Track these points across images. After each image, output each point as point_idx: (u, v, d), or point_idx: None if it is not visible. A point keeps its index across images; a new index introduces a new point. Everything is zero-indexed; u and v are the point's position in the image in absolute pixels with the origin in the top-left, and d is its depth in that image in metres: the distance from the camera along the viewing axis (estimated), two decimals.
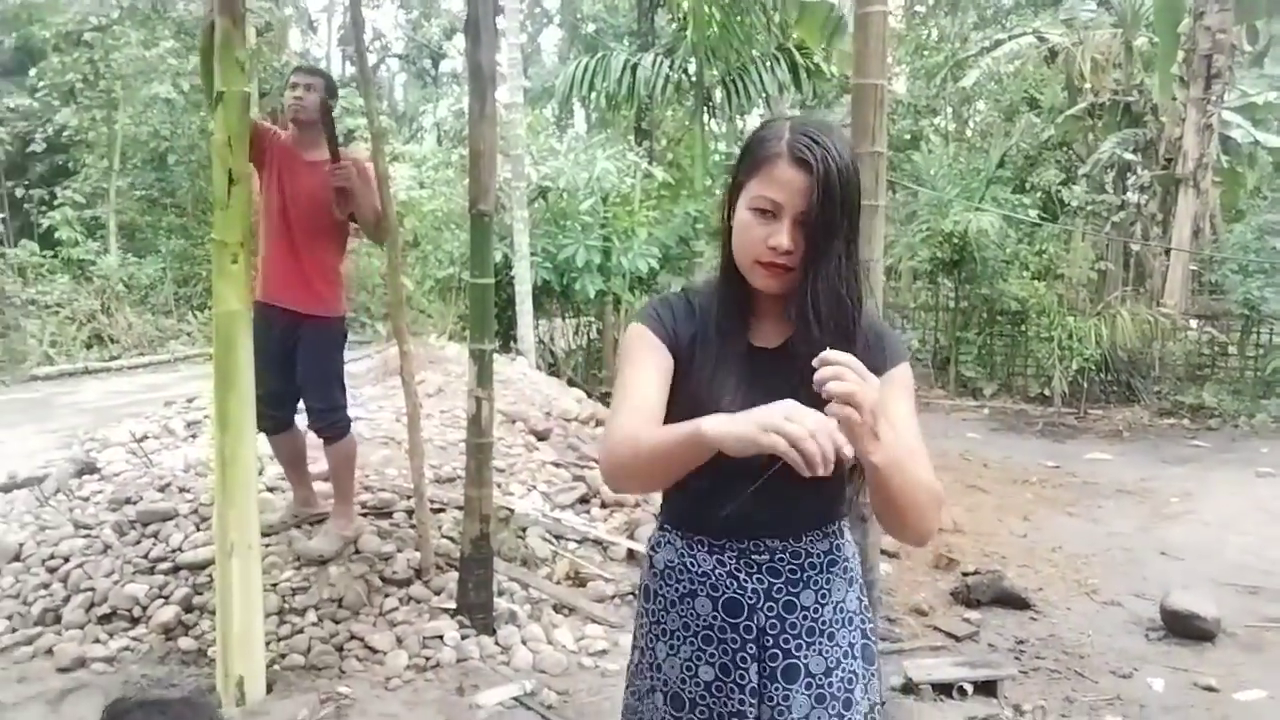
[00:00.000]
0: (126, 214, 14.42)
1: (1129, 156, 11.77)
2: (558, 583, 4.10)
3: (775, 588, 1.44)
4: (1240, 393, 10.14)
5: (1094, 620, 4.34)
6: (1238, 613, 4.37)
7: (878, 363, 1.35)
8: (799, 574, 1.46)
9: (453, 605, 3.67)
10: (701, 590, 1.46)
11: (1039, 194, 12.60)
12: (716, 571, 1.46)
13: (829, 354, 1.17)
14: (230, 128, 2.43)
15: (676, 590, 1.49)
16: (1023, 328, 11.15)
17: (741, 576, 1.44)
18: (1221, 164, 11.26)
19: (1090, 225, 12.03)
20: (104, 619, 3.59)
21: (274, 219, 3.83)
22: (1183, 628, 4.11)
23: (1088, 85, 12.51)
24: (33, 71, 13.61)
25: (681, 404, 1.38)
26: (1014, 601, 4.43)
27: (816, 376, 1.16)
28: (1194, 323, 10.84)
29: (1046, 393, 10.55)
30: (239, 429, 2.90)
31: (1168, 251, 10.90)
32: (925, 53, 16.82)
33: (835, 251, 1.35)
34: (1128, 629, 4.25)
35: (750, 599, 1.44)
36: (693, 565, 1.48)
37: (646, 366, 1.41)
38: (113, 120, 13.61)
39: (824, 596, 1.47)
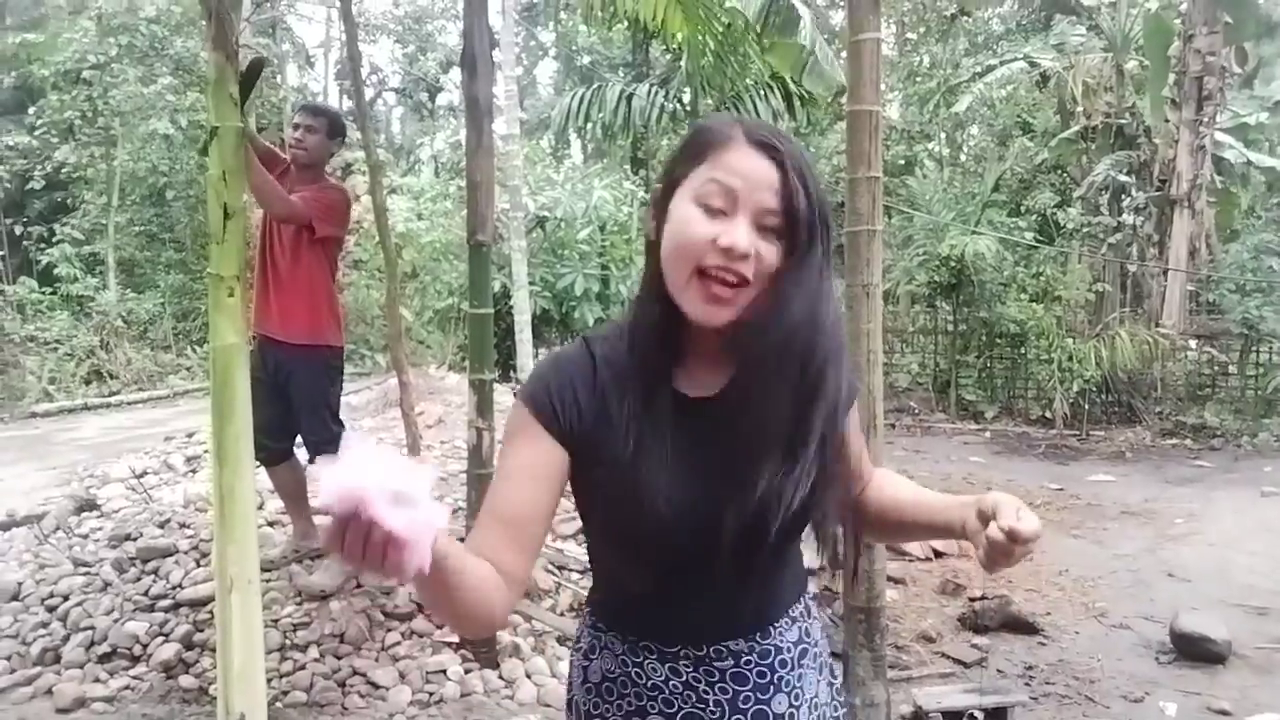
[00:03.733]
0: (125, 250, 14.46)
1: (1123, 178, 11.83)
2: (561, 614, 4.06)
3: (742, 697, 1.18)
4: (1242, 412, 10.13)
5: (1103, 644, 4.30)
6: (1248, 634, 4.33)
7: (842, 393, 1.14)
8: (768, 676, 1.19)
9: (456, 639, 3.63)
10: (653, 708, 1.18)
11: (1034, 217, 12.64)
12: (670, 684, 1.17)
13: (1010, 512, 1.01)
14: (224, 162, 2.43)
15: (620, 709, 1.20)
16: (1022, 350, 11.15)
17: (701, 688, 1.17)
18: (1216, 184, 11.32)
19: (1086, 247, 12.06)
20: (104, 658, 3.55)
21: (263, 251, 3.86)
22: (1193, 650, 4.07)
23: (1080, 109, 12.58)
24: (32, 110, 13.70)
25: (604, 496, 1.11)
26: (1022, 626, 4.39)
27: (1003, 523, 0.99)
28: (1193, 343, 10.85)
29: (1048, 415, 10.54)
30: (237, 463, 2.87)
31: (1165, 272, 10.92)
32: (918, 79, 16.95)
33: (815, 266, 1.06)
34: (1137, 652, 4.21)
35: (713, 713, 1.17)
36: (640, 677, 1.19)
37: (518, 464, 1.11)
38: (111, 157, 13.68)
39: (797, 698, 1.21)
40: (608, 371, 1.12)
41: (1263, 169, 12.52)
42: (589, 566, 1.29)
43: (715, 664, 1.17)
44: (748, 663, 1.18)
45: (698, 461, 1.09)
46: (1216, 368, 10.84)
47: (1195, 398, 10.51)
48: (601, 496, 1.12)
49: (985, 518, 1.05)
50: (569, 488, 1.17)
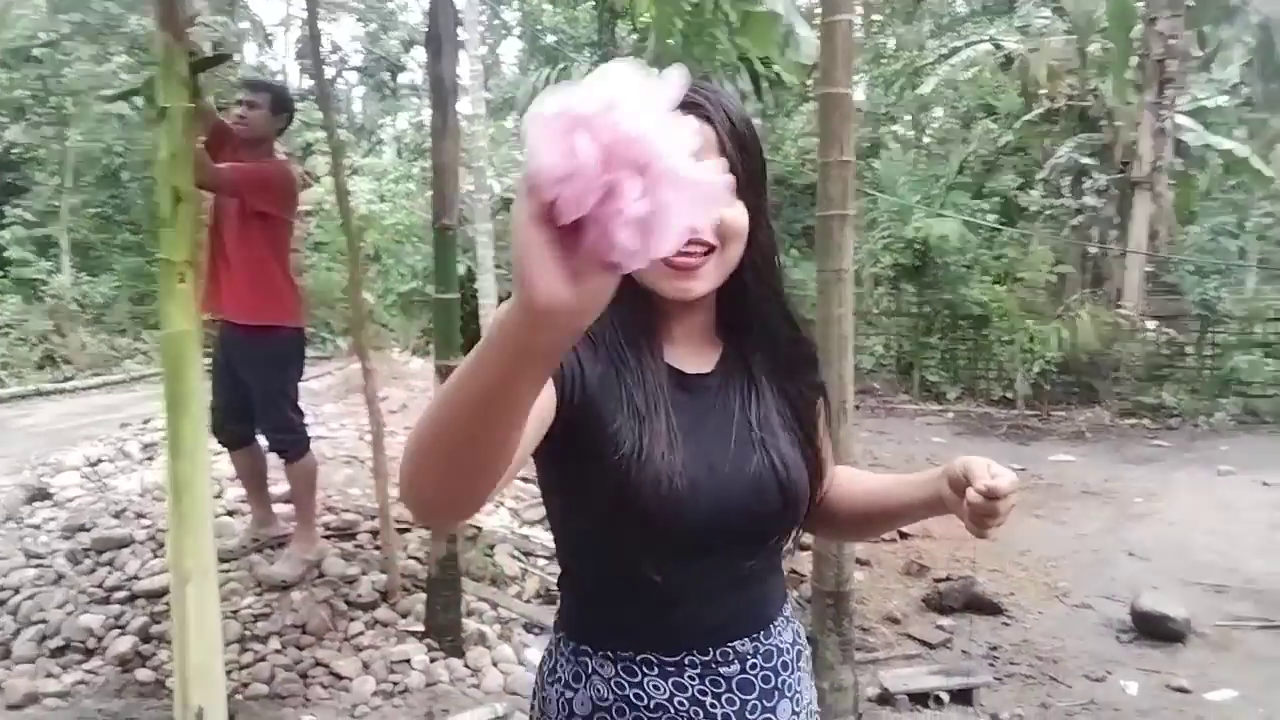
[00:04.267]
0: (79, 232, 14.14)
1: (1085, 161, 11.94)
2: (528, 601, 4.04)
3: (749, 706, 1.10)
4: (1199, 392, 10.30)
5: (1066, 623, 4.34)
6: (1206, 612, 4.39)
7: (817, 376, 1.20)
8: (772, 681, 1.12)
9: (420, 628, 3.59)
10: None
11: (997, 199, 12.75)
12: (675, 701, 1.07)
13: (981, 470, 1.03)
14: (174, 144, 2.35)
15: None
16: (985, 332, 11.26)
17: (708, 701, 1.08)
18: (1176, 167, 11.46)
19: (1048, 229, 12.19)
20: (57, 652, 3.46)
21: (213, 232, 3.77)
22: (1153, 629, 4.13)
23: (1043, 91, 12.67)
24: None
25: (607, 476, 1.00)
26: (986, 607, 4.43)
27: (979, 485, 1.01)
28: (1152, 324, 11.01)
29: (1009, 395, 10.66)
30: (192, 453, 2.80)
31: (1125, 254, 11.05)
32: (883, 61, 16.98)
33: (764, 224, 1.07)
34: (1099, 631, 4.26)
35: None
36: (640, 699, 1.07)
37: None
38: (64, 137, 13.34)
39: (798, 703, 1.16)
40: (603, 349, 1.06)
41: (1220, 152, 12.69)
42: (564, 580, 1.19)
43: (721, 671, 1.09)
44: (753, 666, 1.11)
45: (704, 438, 1.06)
46: (1174, 348, 11.01)
47: (1153, 378, 10.67)
48: (602, 477, 1.01)
49: (959, 485, 1.04)
50: (540, 476, 1.12)
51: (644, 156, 0.56)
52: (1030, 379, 10.23)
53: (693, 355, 1.11)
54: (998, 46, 13.36)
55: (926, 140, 17.90)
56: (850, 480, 1.27)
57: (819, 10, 3.09)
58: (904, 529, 5.41)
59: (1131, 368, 10.59)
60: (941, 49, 14.70)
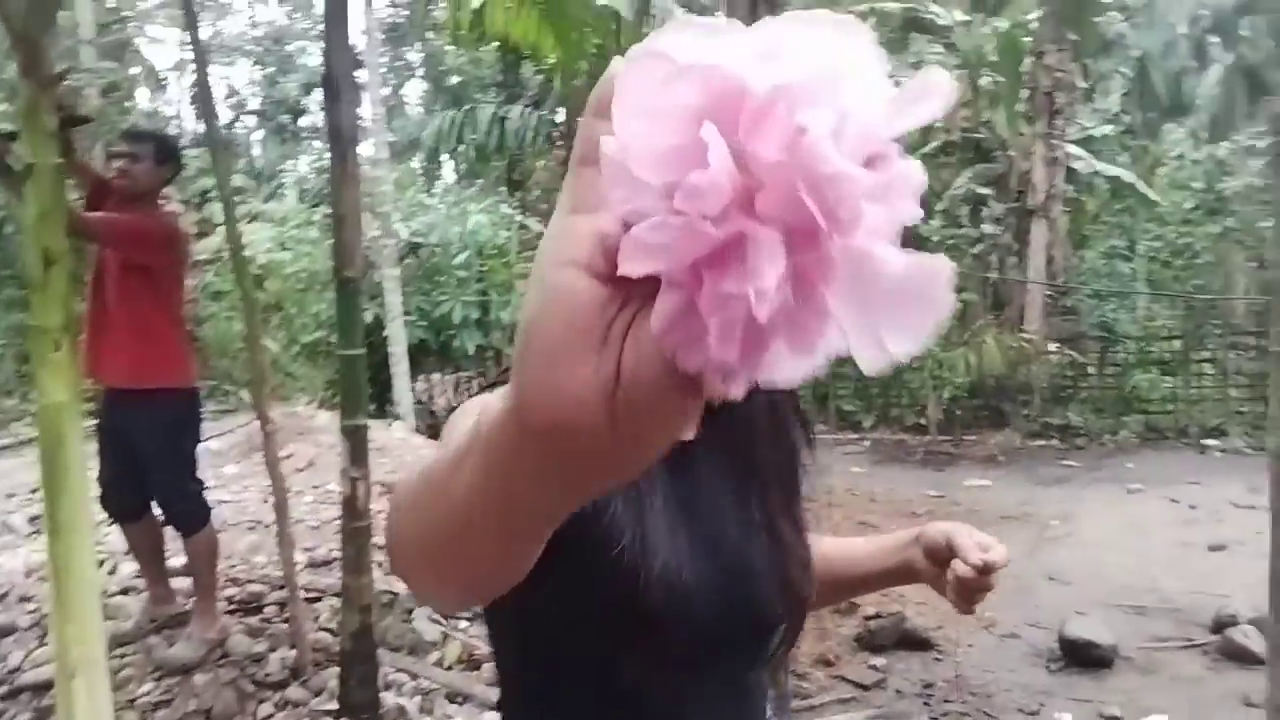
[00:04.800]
0: None
1: (982, 190, 12.32)
2: (449, 668, 3.84)
3: None
4: (1103, 411, 10.64)
5: (996, 655, 4.34)
6: (1129, 635, 4.45)
7: (806, 443, 1.02)
8: None
9: (335, 706, 3.36)
10: None
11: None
12: None
13: (968, 543, 0.97)
14: (42, 203, 2.16)
15: None
16: None
17: None
18: (1068, 194, 11.91)
19: (950, 257, 12.49)
20: None
21: (94, 289, 3.53)
22: (1081, 656, 4.15)
23: (939, 124, 13.06)
24: None
25: (575, 549, 0.75)
26: (917, 643, 4.41)
27: (973, 561, 0.95)
28: (1054, 346, 11.35)
29: (923, 422, 10.82)
30: (73, 534, 2.57)
31: (1024, 281, 11.40)
32: None
33: None
34: (1029, 661, 4.27)
35: None
36: None
37: None
38: None
39: None
40: None
41: (1107, 177, 13.27)
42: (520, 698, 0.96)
43: None
44: None
45: (701, 521, 0.89)
46: (1077, 369, 11.37)
47: (1059, 399, 10.98)
48: (598, 577, 0.81)
49: (939, 555, 0.97)
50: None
51: (824, 214, 0.30)
52: (941, 405, 10.42)
53: None
54: (895, 82, 13.72)
55: None
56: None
57: None
58: None
59: (1038, 390, 10.88)
60: None
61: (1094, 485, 7.94)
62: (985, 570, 0.93)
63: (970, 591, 0.96)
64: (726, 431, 0.90)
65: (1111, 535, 6.26)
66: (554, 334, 0.33)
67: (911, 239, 0.34)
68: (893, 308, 0.33)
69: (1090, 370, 11.39)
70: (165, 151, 3.68)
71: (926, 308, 0.34)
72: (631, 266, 0.32)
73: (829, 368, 0.34)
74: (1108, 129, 13.15)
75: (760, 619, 0.90)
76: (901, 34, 14.54)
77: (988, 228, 12.13)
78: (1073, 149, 11.89)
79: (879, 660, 4.27)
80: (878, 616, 4.60)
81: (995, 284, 12.66)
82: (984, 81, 12.85)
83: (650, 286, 0.32)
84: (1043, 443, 10.09)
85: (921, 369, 10.49)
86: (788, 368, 0.33)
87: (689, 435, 0.36)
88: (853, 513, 7.00)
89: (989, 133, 12.71)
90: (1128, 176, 12.15)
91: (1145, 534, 6.25)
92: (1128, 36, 12.91)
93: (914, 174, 0.35)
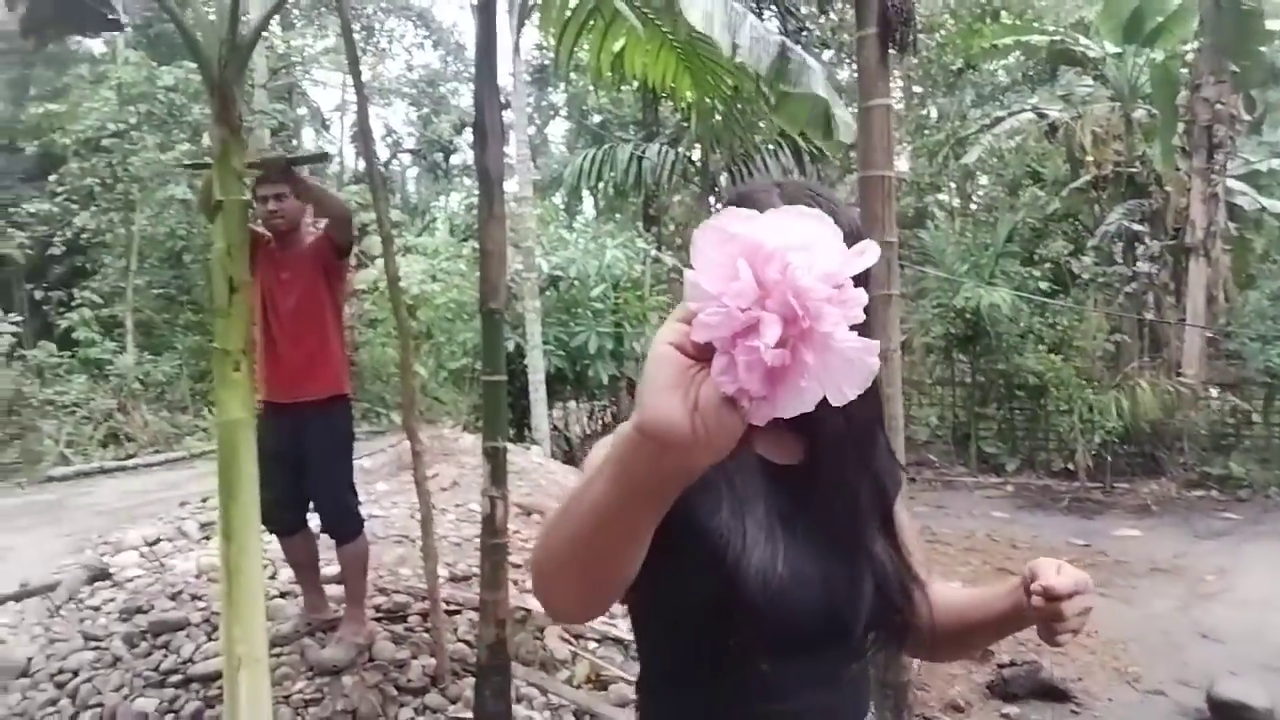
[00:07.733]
0: (143, 312, 14.58)
1: (1136, 227, 11.81)
2: (578, 686, 3.97)
3: None
4: (1269, 461, 9.96)
5: (1138, 712, 4.17)
6: None
7: (896, 473, 1.15)
8: None
9: (470, 715, 3.54)
10: None
11: (1048, 265, 12.63)
12: None
13: (1048, 570, 1.02)
14: (230, 236, 2.43)
15: None
16: (1042, 401, 11.04)
17: None
18: (1230, 231, 11.28)
19: (1102, 296, 12.00)
20: None
21: (265, 318, 3.84)
22: (1231, 718, 3.93)
23: (1089, 158, 12.62)
24: (53, 177, 13.93)
25: (690, 547, 0.96)
26: (1053, 694, 4.27)
27: (1035, 585, 0.99)
28: (1214, 391, 10.72)
29: (1070, 467, 10.39)
30: (243, 540, 2.84)
31: (1181, 321, 10.83)
32: (926, 131, 17.07)
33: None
34: None
35: None
36: None
37: None
38: (130, 221, 13.87)
39: None
40: None
41: (1276, 215, 12.49)
42: (652, 687, 1.12)
43: None
44: None
45: (800, 534, 1.00)
46: (1240, 416, 10.69)
47: (1219, 447, 10.34)
48: (703, 576, 0.96)
49: (1028, 589, 1.01)
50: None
51: (802, 310, 0.57)
52: (1091, 450, 9.98)
53: (777, 444, 1.06)
54: (1041, 115, 13.38)
55: (973, 208, 17.86)
56: (939, 599, 1.20)
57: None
58: None
59: (1196, 437, 10.29)
60: (984, 118, 14.75)
61: (1255, 540, 7.45)
62: (1046, 594, 0.95)
63: (1045, 619, 0.98)
64: (820, 459, 1.05)
65: (1273, 594, 5.87)
66: (660, 380, 0.62)
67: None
68: (845, 367, 0.60)
69: (1255, 418, 10.68)
70: (291, 170, 3.81)
71: (865, 368, 0.61)
72: (699, 335, 0.60)
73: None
74: (1276, 163, 12.39)
75: (847, 616, 1.01)
76: (1049, 67, 14.17)
77: (1142, 265, 11.61)
78: (1235, 184, 11.27)
79: (1012, 709, 4.16)
80: (1012, 665, 4.49)
81: (1151, 325, 12.09)
82: (1137, 114, 12.37)
83: (710, 352, 0.60)
84: (1201, 493, 9.52)
85: (1070, 411, 10.09)
86: (787, 402, 0.60)
87: (734, 442, 0.62)
88: (992, 558, 6.81)
89: (1143, 167, 12.20)
90: None
91: None
92: None
93: (861, 296, 0.60)
